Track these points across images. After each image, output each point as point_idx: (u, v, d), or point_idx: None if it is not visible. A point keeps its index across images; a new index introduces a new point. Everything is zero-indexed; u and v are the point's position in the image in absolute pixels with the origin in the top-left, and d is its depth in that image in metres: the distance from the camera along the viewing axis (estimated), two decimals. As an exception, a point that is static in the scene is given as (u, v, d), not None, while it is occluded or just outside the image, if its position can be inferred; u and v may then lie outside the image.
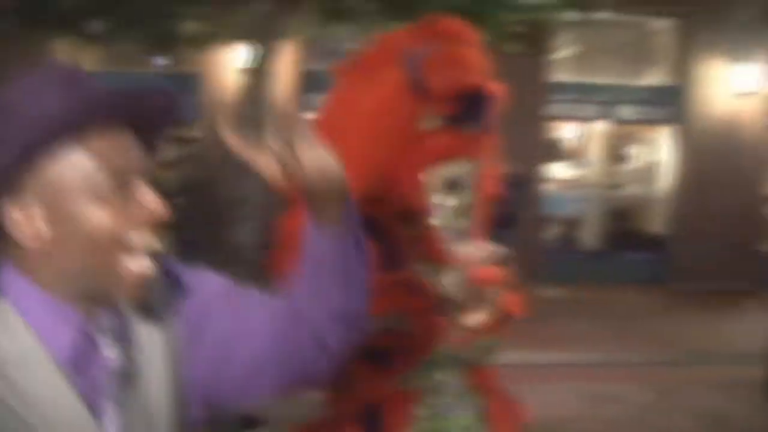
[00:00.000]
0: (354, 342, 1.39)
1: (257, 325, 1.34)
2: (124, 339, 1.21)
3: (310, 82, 11.77)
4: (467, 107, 2.39)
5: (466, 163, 2.46)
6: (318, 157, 1.24)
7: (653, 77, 13.52)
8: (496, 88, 2.45)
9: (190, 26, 7.31)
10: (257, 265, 5.65)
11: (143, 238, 1.18)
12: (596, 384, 7.18)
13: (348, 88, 2.48)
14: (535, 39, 9.52)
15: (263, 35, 6.25)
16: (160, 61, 11.11)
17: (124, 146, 1.17)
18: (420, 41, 2.41)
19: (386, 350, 2.39)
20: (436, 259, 2.45)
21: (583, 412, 6.43)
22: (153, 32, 6.49)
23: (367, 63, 2.46)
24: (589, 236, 13.72)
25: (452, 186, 2.44)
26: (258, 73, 6.26)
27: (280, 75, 10.55)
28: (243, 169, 6.81)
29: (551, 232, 13.48)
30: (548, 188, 13.17)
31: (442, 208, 2.44)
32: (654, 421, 6.31)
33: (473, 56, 2.43)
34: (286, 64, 11.38)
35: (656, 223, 13.78)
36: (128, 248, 1.16)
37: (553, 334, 9.02)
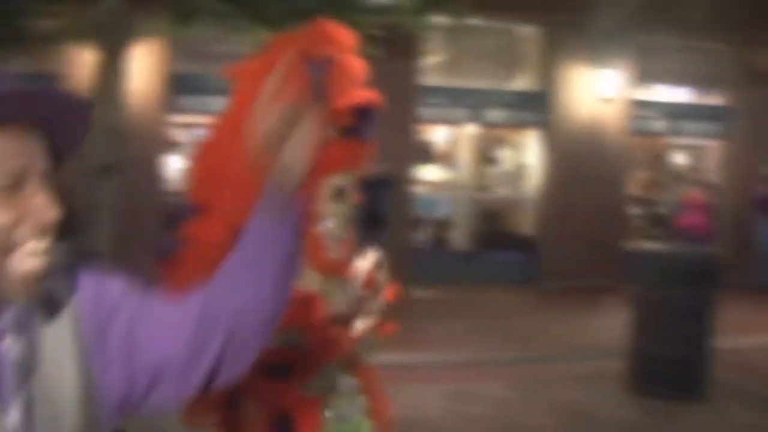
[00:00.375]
0: (265, 343, 1.39)
1: (164, 329, 1.33)
2: (26, 333, 1.21)
3: (178, 84, 11.54)
4: (358, 119, 2.41)
5: (350, 172, 2.52)
6: (296, 149, 1.27)
7: (520, 82, 13.89)
8: (377, 98, 2.48)
9: (41, 24, 7.06)
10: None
11: (34, 239, 1.17)
12: (462, 383, 7.28)
13: (253, 91, 2.42)
14: (400, 43, 9.58)
15: (113, 33, 6.12)
16: (14, 61, 10.70)
17: (23, 147, 1.16)
18: (316, 48, 2.38)
19: (284, 364, 2.40)
20: (326, 268, 2.49)
21: (445, 411, 6.49)
22: (2, 29, 6.24)
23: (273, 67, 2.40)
24: (460, 237, 13.95)
25: (338, 195, 2.49)
26: (109, 73, 6.12)
27: (142, 75, 10.31)
28: (98, 174, 6.59)
29: (422, 234, 13.64)
30: (419, 190, 13.34)
31: (330, 216, 2.49)
32: (515, 418, 6.43)
33: (358, 65, 2.42)
34: (152, 64, 11.11)
35: (525, 224, 14.14)
36: (18, 248, 1.15)
37: (424, 335, 9.10)
